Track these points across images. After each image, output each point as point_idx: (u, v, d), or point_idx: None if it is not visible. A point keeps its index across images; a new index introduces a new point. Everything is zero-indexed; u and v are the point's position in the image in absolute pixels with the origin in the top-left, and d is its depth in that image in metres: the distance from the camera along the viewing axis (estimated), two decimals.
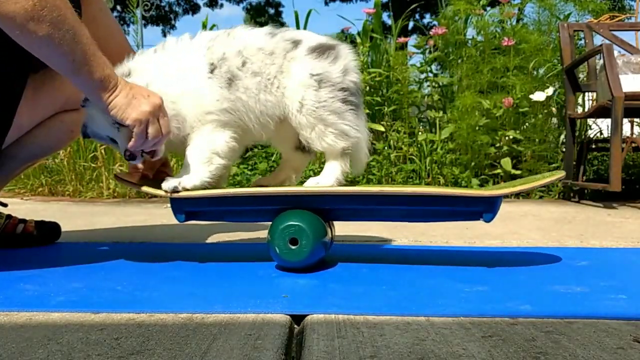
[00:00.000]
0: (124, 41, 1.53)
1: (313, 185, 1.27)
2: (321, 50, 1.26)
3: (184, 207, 1.27)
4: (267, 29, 1.29)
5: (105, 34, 1.35)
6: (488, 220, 1.23)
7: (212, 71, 1.23)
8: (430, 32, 3.60)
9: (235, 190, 1.26)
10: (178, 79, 1.23)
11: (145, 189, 1.29)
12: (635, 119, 3.62)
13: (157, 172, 1.39)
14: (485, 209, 1.22)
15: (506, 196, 1.24)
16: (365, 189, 1.25)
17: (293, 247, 1.19)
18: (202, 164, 1.24)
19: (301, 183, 1.37)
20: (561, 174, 1.25)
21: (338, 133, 1.25)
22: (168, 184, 1.23)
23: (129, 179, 1.33)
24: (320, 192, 1.24)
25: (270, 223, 1.24)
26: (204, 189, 1.24)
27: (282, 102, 1.26)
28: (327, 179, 1.28)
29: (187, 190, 1.23)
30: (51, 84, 1.38)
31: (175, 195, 1.23)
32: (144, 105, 1.14)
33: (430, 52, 3.65)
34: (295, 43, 1.27)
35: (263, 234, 1.82)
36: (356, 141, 1.29)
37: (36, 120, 1.42)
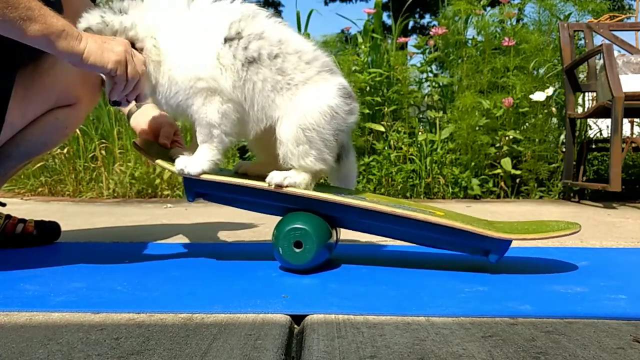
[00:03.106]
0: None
1: (279, 179, 1.24)
2: (347, 94, 1.26)
3: (195, 187, 1.28)
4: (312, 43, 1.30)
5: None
6: (493, 261, 1.22)
7: (230, 40, 1.19)
8: (431, 32, 3.60)
9: (246, 182, 1.25)
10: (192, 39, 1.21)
11: (159, 162, 1.29)
12: (635, 119, 3.63)
13: (172, 142, 1.41)
14: (493, 249, 1.21)
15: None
16: (377, 206, 1.22)
17: (297, 250, 1.19)
18: (205, 143, 1.23)
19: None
20: (576, 228, 1.22)
21: (319, 158, 1.24)
22: (178, 165, 1.23)
23: (147, 150, 1.34)
24: (331, 199, 1.23)
25: (276, 223, 1.24)
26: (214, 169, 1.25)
27: (283, 106, 1.23)
28: (298, 179, 1.25)
29: (192, 176, 1.23)
30: (41, 80, 1.38)
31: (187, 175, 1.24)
32: (117, 46, 1.12)
33: (430, 52, 3.65)
34: (332, 71, 1.28)
35: (263, 234, 1.82)
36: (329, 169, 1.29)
37: (29, 118, 1.42)
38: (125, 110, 1.50)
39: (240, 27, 1.20)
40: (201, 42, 1.20)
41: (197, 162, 1.23)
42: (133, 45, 1.20)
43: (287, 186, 1.23)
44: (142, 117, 1.45)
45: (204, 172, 1.23)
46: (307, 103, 1.22)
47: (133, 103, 1.47)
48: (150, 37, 1.20)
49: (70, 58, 1.11)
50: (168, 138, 1.40)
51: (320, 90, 1.23)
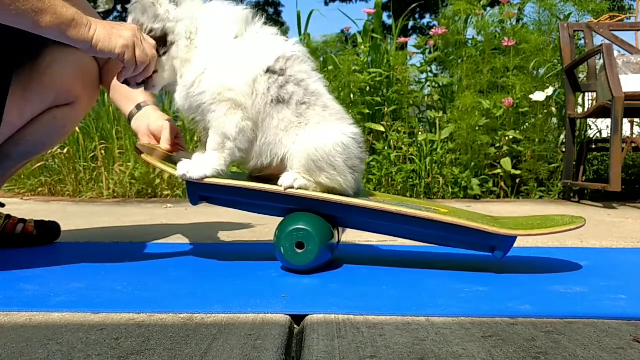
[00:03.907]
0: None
1: (290, 181, 1.24)
2: (361, 144, 1.28)
3: (199, 191, 1.27)
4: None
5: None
6: (499, 257, 1.22)
7: (272, 72, 1.22)
8: (431, 32, 3.60)
9: (250, 184, 1.25)
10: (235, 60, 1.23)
11: (162, 166, 1.28)
12: (635, 119, 3.63)
13: (173, 145, 1.40)
14: (498, 245, 1.21)
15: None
16: (383, 206, 1.22)
17: (299, 251, 1.19)
18: (215, 151, 1.24)
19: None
20: (582, 221, 1.22)
21: (332, 179, 1.24)
22: (180, 169, 1.23)
23: (148, 154, 1.33)
24: (337, 200, 1.23)
25: (278, 223, 1.24)
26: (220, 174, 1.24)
27: (289, 143, 1.24)
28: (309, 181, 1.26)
29: (194, 180, 1.23)
30: (39, 79, 1.38)
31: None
32: (125, 32, 1.14)
33: (430, 52, 3.65)
34: (344, 119, 1.29)
35: (263, 234, 1.83)
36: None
37: (27, 117, 1.42)
38: (127, 112, 1.50)
39: (287, 65, 1.23)
40: (246, 61, 1.22)
41: (200, 166, 1.23)
42: (165, 37, 1.22)
43: (298, 188, 1.23)
44: (144, 120, 1.45)
45: (207, 177, 1.23)
46: (320, 135, 1.23)
47: (134, 105, 1.48)
48: (187, 37, 1.22)
49: (80, 45, 1.12)
50: (169, 142, 1.39)
51: (335, 127, 1.25)
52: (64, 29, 1.08)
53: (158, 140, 1.41)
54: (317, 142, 1.22)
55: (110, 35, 1.13)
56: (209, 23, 1.25)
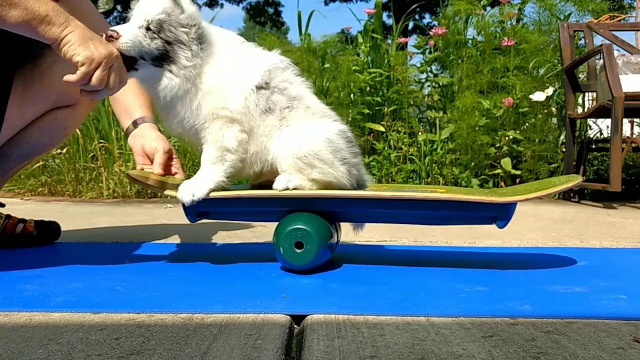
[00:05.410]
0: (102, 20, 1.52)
1: (284, 183, 1.24)
2: (350, 140, 1.29)
3: (196, 208, 1.26)
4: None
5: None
6: (501, 227, 1.23)
7: (260, 88, 1.23)
8: (431, 32, 3.60)
9: (246, 193, 1.26)
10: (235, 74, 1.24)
11: (168, 192, 1.27)
12: (635, 119, 3.62)
13: (167, 166, 1.39)
14: (499, 215, 1.22)
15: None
16: (377, 193, 1.24)
17: (298, 251, 1.19)
18: (214, 165, 1.24)
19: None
20: (579, 179, 1.22)
21: (325, 173, 1.25)
22: (184, 195, 1.22)
23: (142, 179, 1.32)
24: (330, 195, 1.23)
25: (276, 223, 1.24)
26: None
27: (273, 147, 1.26)
28: (302, 180, 1.26)
29: (200, 199, 1.22)
30: (40, 81, 1.38)
31: None
32: (101, 48, 1.09)
33: (430, 52, 3.64)
34: (328, 117, 1.31)
35: (263, 234, 1.82)
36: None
37: (28, 118, 1.42)
38: (125, 126, 1.49)
39: (270, 77, 1.25)
40: (237, 80, 1.24)
41: (201, 183, 1.23)
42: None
43: (293, 189, 1.23)
44: (139, 139, 1.43)
45: (211, 191, 1.23)
46: (301, 132, 1.24)
47: (131, 120, 1.47)
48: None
49: (48, 42, 1.09)
50: (162, 166, 1.38)
51: (316, 124, 1.26)
52: (35, 24, 1.05)
53: (152, 161, 1.40)
54: (298, 139, 1.23)
55: (83, 42, 1.08)
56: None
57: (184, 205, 1.25)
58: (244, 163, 1.27)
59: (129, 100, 1.48)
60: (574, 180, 1.21)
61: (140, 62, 1.19)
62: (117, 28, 1.18)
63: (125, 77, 1.16)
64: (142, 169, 1.40)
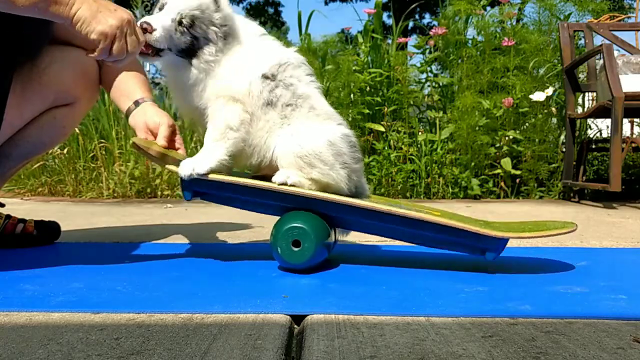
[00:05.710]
0: None
1: (283, 178, 1.24)
2: (353, 145, 1.29)
3: (193, 186, 1.26)
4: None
5: None
6: (490, 259, 1.22)
7: (266, 78, 1.24)
8: (431, 32, 3.60)
9: (246, 181, 1.25)
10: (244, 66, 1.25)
11: (169, 167, 1.28)
12: (635, 119, 3.63)
13: (170, 142, 1.39)
14: (490, 247, 1.21)
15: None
16: (377, 206, 1.23)
17: (295, 249, 1.19)
18: (217, 142, 1.24)
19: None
20: (573, 226, 1.23)
21: (324, 174, 1.25)
22: (184, 169, 1.22)
23: (146, 148, 1.32)
24: (326, 198, 1.23)
25: (274, 222, 1.24)
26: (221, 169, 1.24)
27: (273, 143, 1.26)
28: (302, 178, 1.27)
29: (201, 175, 1.22)
30: (39, 79, 1.38)
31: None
32: (110, 19, 1.10)
33: (430, 52, 3.64)
34: (333, 120, 1.31)
35: (262, 234, 1.82)
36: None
37: (27, 117, 1.41)
38: (124, 109, 1.49)
39: (279, 70, 1.25)
40: (246, 68, 1.25)
41: (203, 159, 1.23)
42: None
43: (291, 185, 1.23)
44: (141, 116, 1.43)
45: (212, 171, 1.23)
46: (304, 132, 1.24)
47: (132, 102, 1.47)
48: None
49: (60, 21, 1.10)
50: (165, 138, 1.38)
51: (319, 125, 1.26)
52: (42, 6, 1.05)
53: (155, 136, 1.40)
54: (300, 139, 1.23)
55: (93, 18, 1.09)
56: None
57: (182, 179, 1.25)
58: (243, 152, 1.27)
59: (129, 86, 1.48)
60: (569, 227, 1.22)
61: (166, 51, 1.22)
62: (151, 20, 1.19)
63: (141, 37, 1.18)
64: (146, 139, 1.40)
